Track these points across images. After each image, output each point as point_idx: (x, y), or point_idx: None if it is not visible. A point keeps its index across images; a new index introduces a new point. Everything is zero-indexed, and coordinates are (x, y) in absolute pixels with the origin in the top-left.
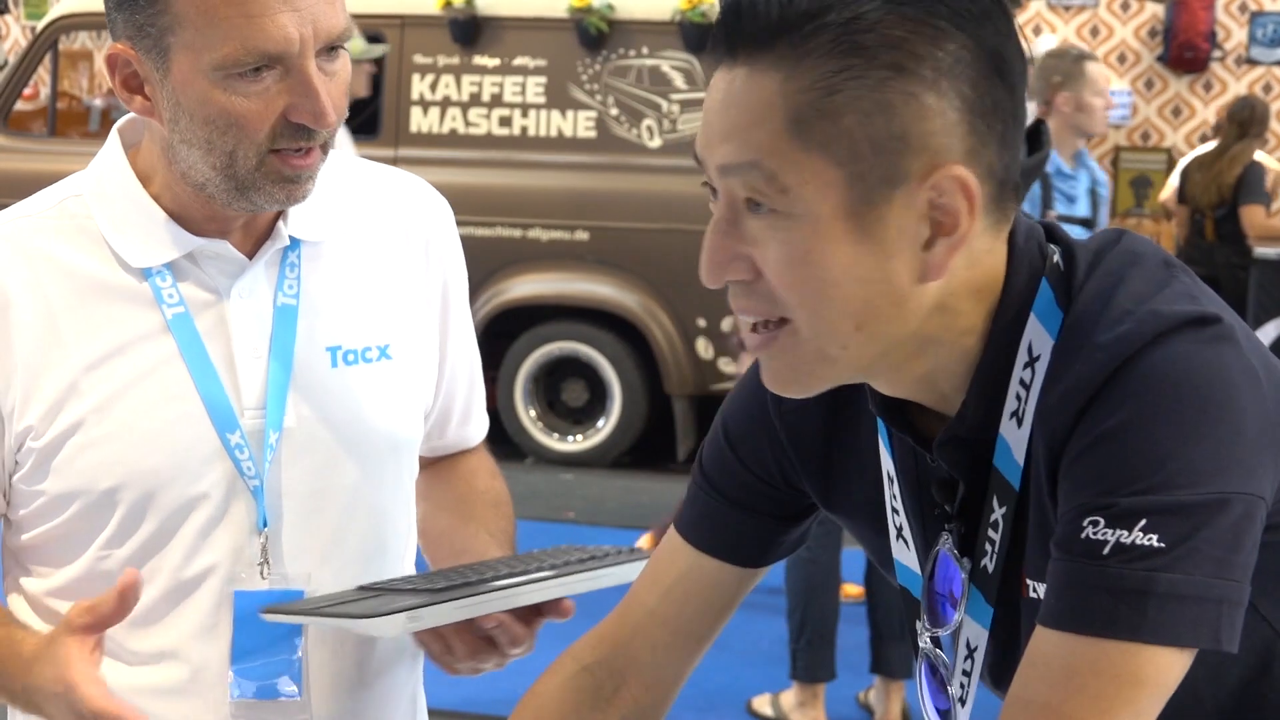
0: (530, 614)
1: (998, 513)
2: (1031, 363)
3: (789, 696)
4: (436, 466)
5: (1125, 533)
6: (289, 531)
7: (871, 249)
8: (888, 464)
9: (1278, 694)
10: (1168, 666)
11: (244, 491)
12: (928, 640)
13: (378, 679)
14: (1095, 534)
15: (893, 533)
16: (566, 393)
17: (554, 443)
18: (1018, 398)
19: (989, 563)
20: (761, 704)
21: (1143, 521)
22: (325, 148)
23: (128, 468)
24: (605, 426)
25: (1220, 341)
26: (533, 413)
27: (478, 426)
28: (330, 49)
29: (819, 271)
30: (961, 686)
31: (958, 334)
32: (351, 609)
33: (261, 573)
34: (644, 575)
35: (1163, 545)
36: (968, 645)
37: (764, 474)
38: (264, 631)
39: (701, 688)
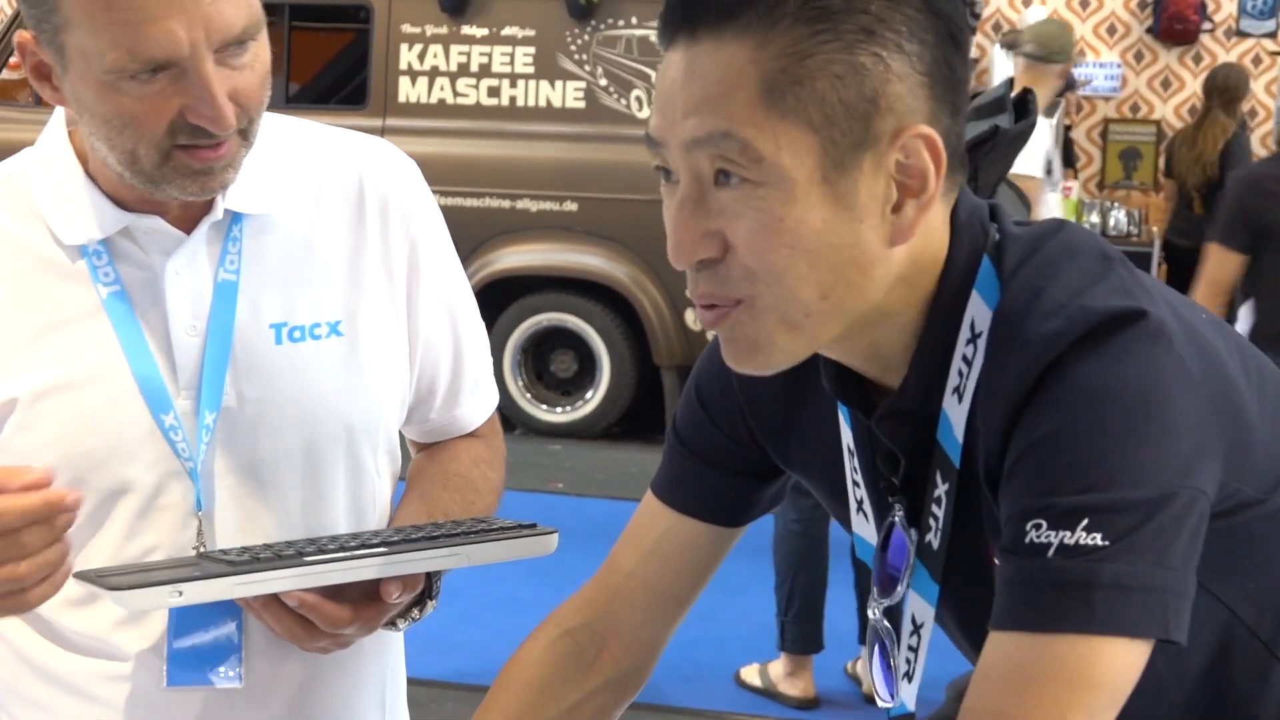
0: (364, 593)
1: (940, 489)
2: (974, 339)
3: (777, 667)
4: (427, 450)
5: (1068, 533)
6: (227, 514)
7: (844, 214)
8: (847, 437)
9: (1241, 676)
10: (1119, 662)
11: (180, 474)
12: (878, 613)
13: (332, 668)
14: (1039, 537)
15: (853, 505)
16: (555, 364)
17: (542, 413)
18: (959, 374)
19: (933, 539)
20: (750, 675)
21: (1084, 521)
22: (246, 134)
23: (61, 450)
24: (594, 398)
25: (1151, 340)
26: (521, 383)
27: (472, 410)
28: (238, 43)
29: (792, 239)
30: (908, 662)
31: (907, 306)
32: (115, 580)
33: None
34: (624, 539)
35: (1106, 543)
36: (913, 621)
37: (735, 434)
38: (201, 617)
39: (690, 659)
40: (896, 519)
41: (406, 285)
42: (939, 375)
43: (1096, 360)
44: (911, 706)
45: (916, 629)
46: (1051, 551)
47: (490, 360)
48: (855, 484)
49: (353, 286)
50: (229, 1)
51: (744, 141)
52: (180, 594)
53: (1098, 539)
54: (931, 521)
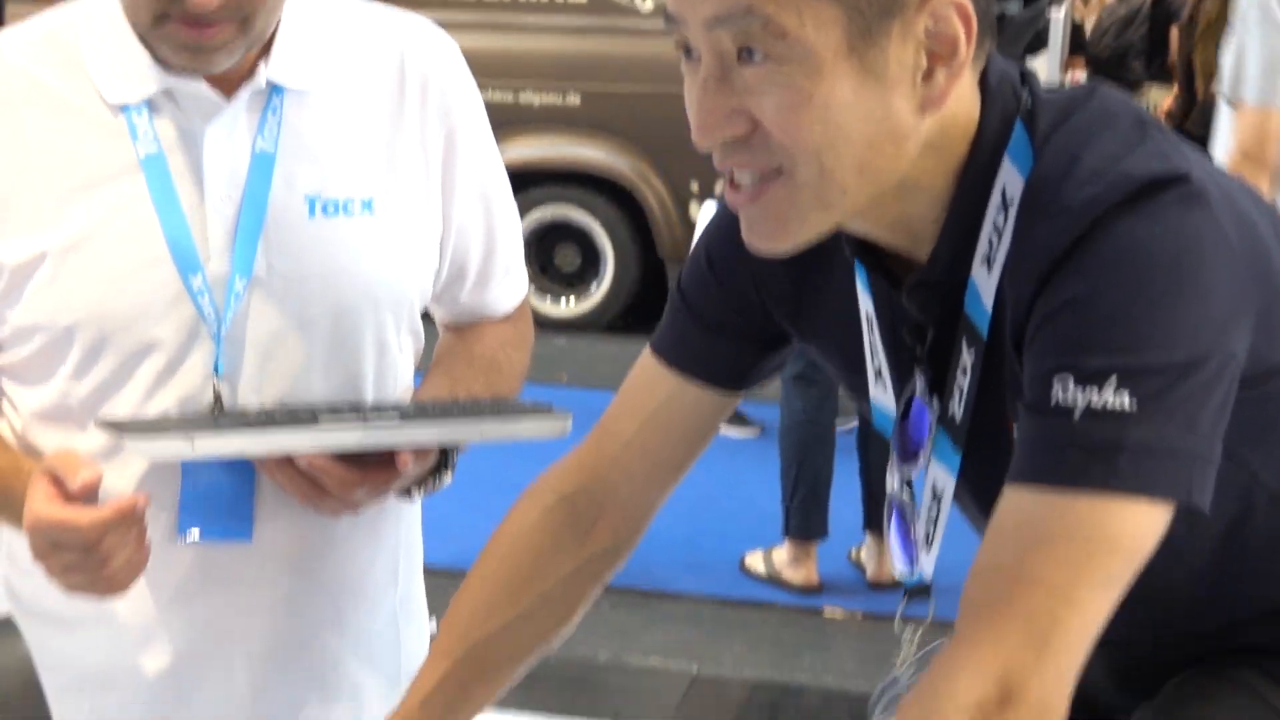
0: (377, 459)
1: (966, 359)
2: (1005, 206)
3: (781, 554)
4: (455, 331)
5: (1096, 391)
6: (247, 381)
7: (873, 85)
8: (866, 305)
9: (1259, 540)
10: (1139, 524)
11: (205, 338)
12: (897, 484)
13: (346, 534)
14: (1065, 395)
15: (871, 375)
16: (559, 257)
17: (547, 307)
18: (990, 242)
19: (957, 409)
20: (754, 561)
21: (1113, 380)
22: (246, 25)
23: (87, 307)
24: (598, 291)
25: (1189, 203)
26: None
27: (501, 294)
28: None
29: (823, 114)
30: (927, 532)
31: (937, 176)
32: (132, 429)
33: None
34: (620, 402)
35: (1134, 404)
36: (934, 490)
37: (745, 301)
38: (213, 473)
39: (695, 547)
40: (918, 389)
41: (441, 167)
42: (968, 244)
43: (1133, 223)
44: (930, 576)
45: (936, 499)
46: (1078, 413)
47: (522, 247)
48: (874, 353)
49: (387, 164)
50: None
51: (766, 17)
52: (193, 445)
53: (1125, 400)
54: (956, 392)
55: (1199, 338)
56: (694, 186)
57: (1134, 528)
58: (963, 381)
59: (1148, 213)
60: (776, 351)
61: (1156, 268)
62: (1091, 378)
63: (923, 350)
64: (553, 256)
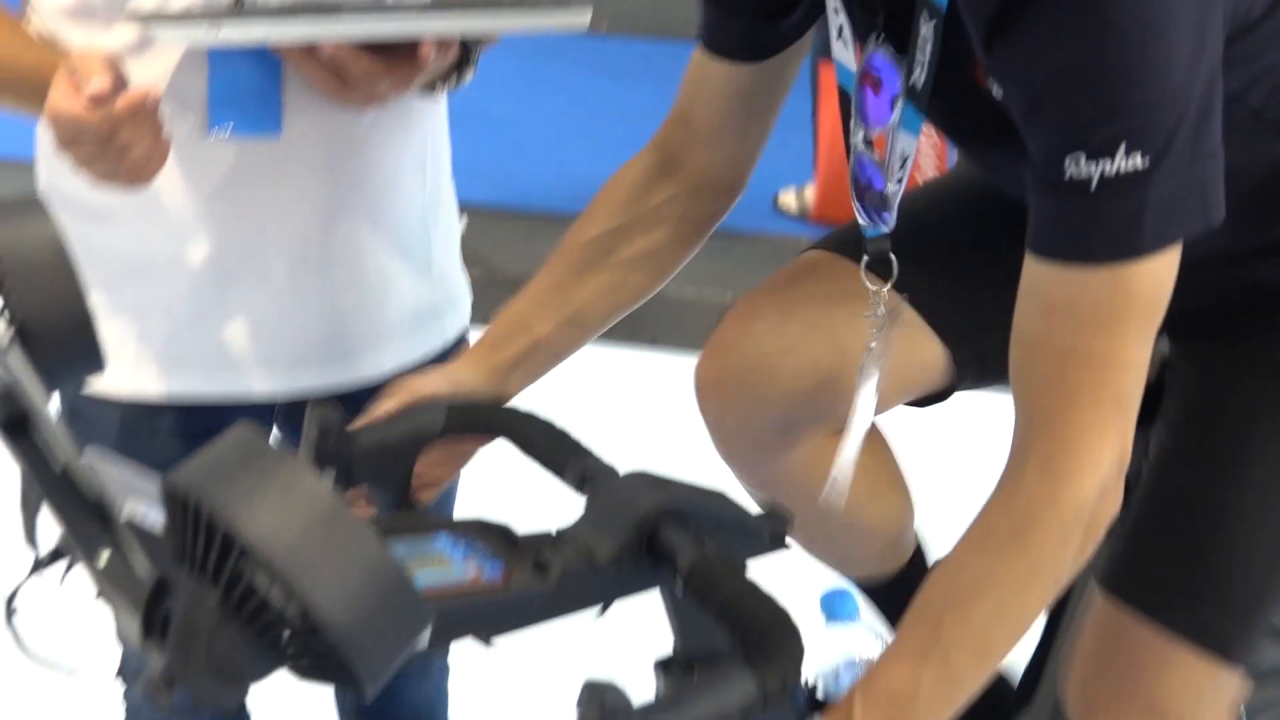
0: (400, 52)
1: (925, 32)
2: None
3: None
4: None
5: (1109, 161)
6: None
7: None
8: None
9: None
10: (1168, 265)
11: None
12: (860, 140)
13: (373, 130)
14: (1079, 171)
15: (833, 32)
16: None
17: None
18: None
19: (920, 77)
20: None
21: (1123, 145)
22: None
23: None
24: None
25: None
26: None
27: None
28: None
29: None
30: (896, 185)
31: None
32: (160, 17)
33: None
34: (686, 92)
35: (1147, 160)
36: (901, 155)
37: None
38: (241, 70)
39: None
40: (878, 50)
41: None
42: None
43: None
44: (892, 224)
45: (903, 161)
46: (1095, 185)
47: None
48: (835, 10)
49: None
50: None
51: None
52: (218, 31)
53: (1138, 160)
54: (917, 63)
55: (1186, 70)
56: None
57: (1160, 272)
58: (923, 53)
59: None
60: (786, 16)
61: (1128, 18)
62: (1101, 149)
63: (880, 21)
64: None
